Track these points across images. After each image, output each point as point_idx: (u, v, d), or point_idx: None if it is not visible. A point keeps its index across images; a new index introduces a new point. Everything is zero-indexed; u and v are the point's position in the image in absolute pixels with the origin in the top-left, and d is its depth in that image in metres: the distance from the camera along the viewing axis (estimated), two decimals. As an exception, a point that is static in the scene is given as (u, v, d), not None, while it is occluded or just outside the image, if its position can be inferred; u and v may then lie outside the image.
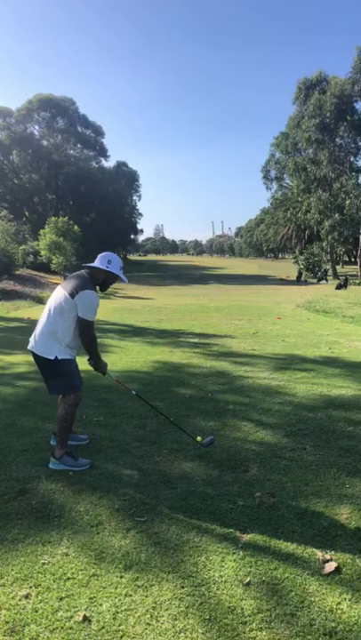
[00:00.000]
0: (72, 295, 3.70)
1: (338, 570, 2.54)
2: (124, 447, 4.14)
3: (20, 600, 2.34)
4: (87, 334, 3.79)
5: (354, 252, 53.73)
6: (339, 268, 49.20)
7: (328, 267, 41.85)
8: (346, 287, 28.36)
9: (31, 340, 3.93)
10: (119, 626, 2.18)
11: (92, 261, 3.97)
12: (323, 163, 39.34)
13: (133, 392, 4.27)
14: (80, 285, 3.73)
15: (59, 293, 3.82)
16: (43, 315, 3.88)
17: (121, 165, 62.43)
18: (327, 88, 38.08)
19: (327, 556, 2.64)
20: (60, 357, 3.76)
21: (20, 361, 7.64)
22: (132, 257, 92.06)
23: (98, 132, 57.08)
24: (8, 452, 4.05)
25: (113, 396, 5.58)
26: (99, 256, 3.95)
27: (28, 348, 3.94)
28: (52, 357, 3.75)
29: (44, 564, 2.61)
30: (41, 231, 29.73)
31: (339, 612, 2.25)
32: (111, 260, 3.92)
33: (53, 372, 3.83)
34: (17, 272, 25.87)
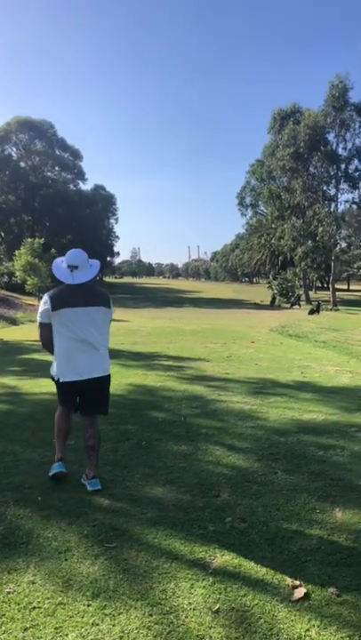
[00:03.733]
0: (108, 305, 3.80)
1: (307, 596, 2.53)
2: (98, 478, 4.08)
3: (-18, 631, 2.26)
4: None
5: (326, 279, 54.88)
6: (312, 293, 50.10)
7: (301, 292, 42.61)
8: (318, 312, 28.88)
9: (81, 366, 3.66)
10: (85, 656, 2.12)
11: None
12: (297, 191, 40.39)
13: None
14: (103, 293, 3.86)
15: (96, 311, 3.69)
16: (84, 336, 3.63)
17: (98, 189, 62.83)
18: (301, 119, 39.37)
19: (297, 582, 2.64)
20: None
21: (-9, 383, 7.51)
22: (108, 279, 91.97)
23: (76, 155, 57.58)
24: (-25, 477, 3.96)
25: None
26: (88, 264, 3.74)
27: (83, 378, 3.67)
28: (109, 373, 3.85)
29: (8, 592, 2.54)
30: (16, 252, 29.58)
31: (307, 638, 2.25)
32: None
33: (108, 388, 3.90)
34: (-9, 292, 25.57)
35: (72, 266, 3.67)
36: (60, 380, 3.73)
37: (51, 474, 3.85)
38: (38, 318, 3.74)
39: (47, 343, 3.78)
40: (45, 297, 3.70)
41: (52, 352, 3.80)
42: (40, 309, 3.71)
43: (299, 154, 39.07)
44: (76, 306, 3.63)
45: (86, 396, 3.79)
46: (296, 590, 2.57)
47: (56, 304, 3.62)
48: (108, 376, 3.83)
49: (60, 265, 3.75)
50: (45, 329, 3.73)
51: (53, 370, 3.81)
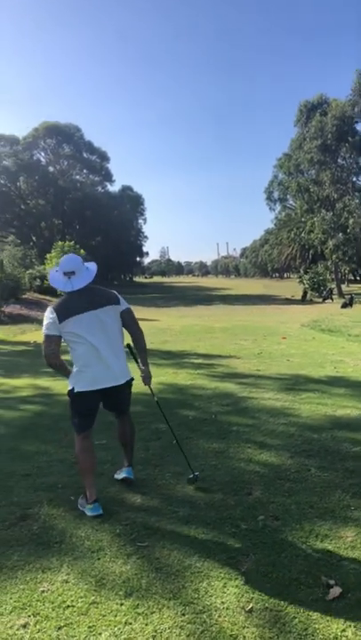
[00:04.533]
0: (116, 302, 3.61)
1: (342, 595, 2.48)
2: (133, 467, 4.10)
3: (17, 630, 2.30)
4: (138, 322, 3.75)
5: (359, 271, 53.79)
6: (344, 286, 49.18)
7: (333, 286, 41.84)
8: (351, 306, 28.30)
9: (103, 376, 3.47)
10: (118, 655, 2.13)
11: (97, 284, 3.76)
12: (325, 183, 39.66)
13: (155, 399, 4.02)
14: (108, 292, 3.68)
15: (104, 312, 3.51)
16: (99, 342, 3.44)
17: (126, 189, 63.29)
18: (328, 110, 38.62)
19: (331, 582, 2.58)
20: None
21: (24, 385, 7.65)
22: (137, 279, 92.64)
23: (103, 157, 58.10)
24: (10, 477, 4.03)
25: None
26: (84, 268, 3.60)
27: (105, 386, 3.49)
28: (132, 376, 3.71)
29: (43, 591, 2.57)
30: (47, 255, 30.05)
31: (343, 639, 2.20)
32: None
33: (130, 392, 3.78)
34: (23, 296, 26.06)
35: (68, 272, 3.50)
36: (78, 390, 3.46)
37: (90, 514, 3.38)
38: (44, 331, 3.47)
39: (52, 357, 3.43)
40: (49, 309, 3.48)
41: (57, 368, 3.52)
42: (44, 323, 3.47)
43: (326, 145, 38.34)
44: (84, 312, 3.43)
45: (110, 400, 3.66)
46: (331, 590, 2.52)
47: (62, 315, 3.40)
48: (129, 381, 3.67)
49: (56, 274, 3.60)
50: (52, 341, 3.43)
51: (70, 383, 3.54)
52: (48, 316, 3.45)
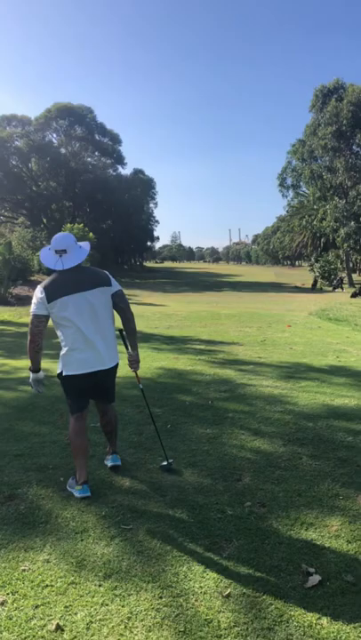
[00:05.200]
0: (107, 283, 3.50)
1: (321, 584, 2.47)
2: (118, 454, 4.10)
3: (-5, 607, 2.32)
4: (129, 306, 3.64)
5: (371, 260, 53.20)
6: (355, 276, 48.75)
7: (344, 274, 41.50)
8: (361, 295, 28.05)
9: (89, 359, 3.41)
10: (92, 636, 2.14)
11: (107, 268, 3.67)
12: (339, 170, 39.12)
13: (140, 386, 3.98)
14: (99, 272, 3.57)
15: (94, 294, 3.41)
16: (87, 325, 3.38)
17: (138, 173, 62.79)
18: (344, 95, 37.97)
19: (311, 569, 2.57)
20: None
21: (25, 366, 7.66)
22: (148, 264, 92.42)
23: (115, 139, 57.57)
24: (2, 457, 4.06)
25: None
26: (76, 247, 3.52)
27: (93, 370, 3.42)
28: (118, 361, 3.61)
29: (23, 570, 2.59)
30: (56, 238, 30.08)
31: (318, 627, 2.19)
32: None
33: (115, 377, 3.70)
34: (32, 278, 26.14)
35: (60, 250, 3.42)
36: (66, 374, 3.43)
37: (78, 496, 3.39)
38: (31, 310, 3.37)
39: (37, 335, 3.37)
40: (38, 288, 3.39)
41: (36, 349, 3.44)
42: (33, 301, 3.39)
43: (341, 132, 37.75)
44: (73, 293, 3.35)
45: (98, 388, 3.59)
46: (310, 578, 2.51)
47: (51, 294, 3.32)
48: (116, 366, 3.60)
49: (47, 252, 3.51)
50: (38, 321, 3.35)
51: (59, 366, 3.50)
52: (37, 294, 3.37)
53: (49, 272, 3.78)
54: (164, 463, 3.82)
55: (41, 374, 3.59)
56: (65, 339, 3.42)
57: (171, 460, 3.85)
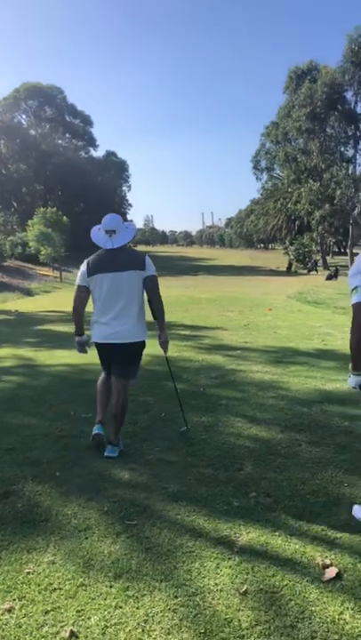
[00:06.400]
0: (141, 267, 3.78)
1: (339, 576, 2.41)
2: (117, 446, 3.98)
3: (2, 614, 2.18)
4: (160, 293, 3.90)
5: (344, 243, 53.77)
6: (329, 258, 49.20)
7: (318, 257, 41.90)
8: (336, 278, 28.37)
9: (109, 333, 3.76)
10: (108, 642, 2.04)
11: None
12: (313, 153, 39.23)
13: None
14: (137, 255, 3.89)
15: (126, 275, 3.73)
16: (112, 302, 3.74)
17: (110, 155, 61.80)
18: (318, 77, 37.90)
19: (327, 561, 2.52)
20: (145, 339, 3.91)
21: (6, 355, 7.46)
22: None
23: (86, 121, 56.48)
24: (-8, 452, 3.89)
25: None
26: (124, 227, 3.86)
27: (107, 341, 3.78)
28: (144, 339, 3.89)
29: (28, 573, 2.46)
30: (29, 222, 29.38)
31: (341, 622, 2.13)
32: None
33: (140, 354, 3.97)
34: (5, 264, 25.54)
35: (110, 230, 3.75)
36: (92, 340, 3.90)
37: (91, 437, 3.88)
38: (76, 281, 3.91)
39: (77, 302, 3.88)
40: (84, 262, 3.84)
41: (76, 315, 3.94)
42: (78, 273, 3.89)
43: (315, 114, 37.72)
44: (108, 271, 3.72)
45: (113, 360, 3.87)
46: (327, 570, 2.45)
47: (91, 270, 3.77)
48: (137, 343, 3.83)
49: (98, 232, 3.84)
50: (80, 291, 3.86)
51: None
52: (81, 268, 3.84)
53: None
54: (184, 429, 4.14)
55: (84, 337, 4.01)
56: (94, 309, 3.85)
57: (189, 427, 4.18)
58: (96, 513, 3.00)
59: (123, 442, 3.99)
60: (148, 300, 3.89)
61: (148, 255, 3.95)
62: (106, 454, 3.76)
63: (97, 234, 3.85)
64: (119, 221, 3.83)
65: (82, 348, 4.04)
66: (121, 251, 3.80)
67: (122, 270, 3.72)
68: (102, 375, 4.05)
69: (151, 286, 3.83)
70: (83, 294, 3.86)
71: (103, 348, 3.87)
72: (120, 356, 3.83)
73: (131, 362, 3.90)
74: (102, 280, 3.74)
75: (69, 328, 10.44)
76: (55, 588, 2.35)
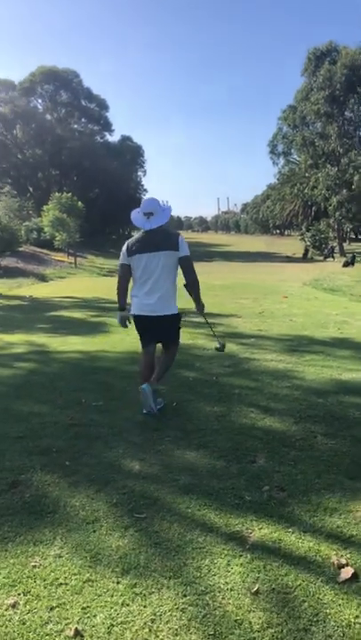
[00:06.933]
0: (175, 248, 4.16)
1: (355, 577, 2.31)
2: (125, 434, 3.92)
3: (6, 610, 2.13)
4: (194, 269, 4.30)
5: (361, 229, 52.87)
6: (346, 245, 48.49)
7: (335, 244, 41.29)
8: (353, 265, 27.93)
9: (143, 305, 4.22)
10: (114, 642, 1.97)
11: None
12: (331, 137, 38.46)
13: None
14: (173, 237, 4.23)
15: (162, 255, 4.14)
16: (147, 281, 4.19)
17: (126, 140, 61.29)
18: (338, 58, 36.99)
19: (343, 561, 2.42)
20: (177, 312, 4.37)
21: (18, 341, 7.43)
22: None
23: (102, 105, 55.98)
24: (2, 440, 3.84)
25: (114, 379, 5.37)
26: (161, 209, 4.23)
27: (144, 314, 4.24)
28: (176, 312, 4.34)
29: (34, 566, 2.40)
30: (44, 207, 29.34)
31: (358, 626, 2.04)
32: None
33: (178, 324, 4.46)
34: (20, 249, 25.54)
35: (147, 213, 4.15)
36: (132, 313, 4.34)
37: (140, 388, 4.29)
38: (119, 260, 4.38)
39: (120, 278, 4.38)
40: (126, 243, 4.32)
41: (120, 291, 4.38)
42: (121, 253, 4.32)
43: (334, 97, 36.89)
44: (145, 252, 4.15)
45: (155, 330, 4.34)
46: (343, 570, 2.36)
47: (131, 250, 4.21)
48: (171, 315, 4.30)
49: (137, 215, 4.25)
50: (122, 269, 4.34)
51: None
52: (123, 248, 4.30)
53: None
54: (218, 346, 4.75)
55: (125, 312, 4.41)
56: (133, 286, 4.32)
57: (222, 342, 4.77)
58: (105, 505, 2.93)
59: (134, 431, 3.93)
60: (185, 279, 4.30)
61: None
62: (142, 387, 4.24)
63: (136, 216, 4.24)
64: (156, 204, 4.22)
65: (123, 321, 4.45)
66: (157, 232, 4.16)
67: (158, 250, 4.13)
68: (143, 353, 4.49)
69: (186, 265, 4.24)
70: (126, 271, 4.29)
71: (140, 320, 4.30)
72: (163, 326, 4.30)
73: (169, 332, 4.39)
74: (140, 259, 4.17)
75: (83, 314, 10.41)
76: (61, 583, 2.29)
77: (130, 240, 4.33)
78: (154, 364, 4.45)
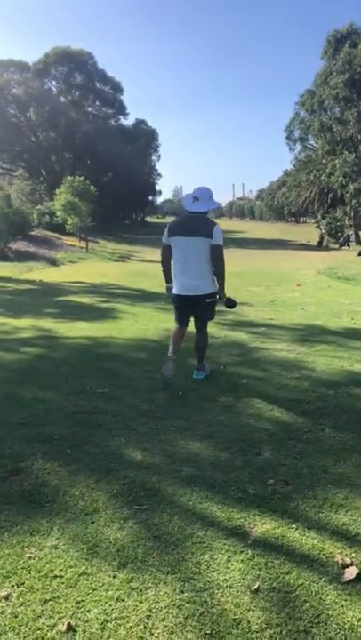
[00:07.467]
0: (209, 235, 4.46)
1: (359, 577, 2.23)
2: (128, 423, 3.85)
3: (-1, 602, 2.09)
4: (223, 258, 4.59)
5: (378, 218, 51.99)
6: (362, 233, 47.72)
7: (351, 232, 40.67)
8: (369, 253, 27.50)
9: (182, 285, 4.61)
10: (107, 638, 1.91)
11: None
12: (350, 122, 37.66)
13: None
14: (208, 225, 4.55)
15: (196, 241, 4.48)
16: (184, 263, 4.57)
17: (140, 123, 60.79)
18: (358, 41, 36.09)
19: (347, 560, 2.34)
20: (212, 291, 4.66)
21: (26, 325, 7.39)
22: (150, 219, 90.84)
23: (117, 88, 55.42)
24: (3, 426, 3.80)
25: (120, 366, 5.30)
26: (207, 198, 4.64)
27: (182, 294, 4.63)
28: (211, 291, 4.64)
29: (29, 557, 2.35)
30: (57, 191, 29.21)
31: (360, 630, 1.96)
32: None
33: (210, 303, 4.71)
34: (32, 233, 25.50)
35: (195, 197, 4.57)
36: (171, 292, 4.77)
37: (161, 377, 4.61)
38: (162, 240, 4.75)
39: (163, 256, 4.81)
40: (168, 224, 4.72)
41: (164, 267, 4.84)
42: (164, 233, 4.70)
43: (354, 81, 36.04)
44: (183, 235, 4.53)
45: (189, 309, 4.74)
46: (347, 570, 2.28)
47: (170, 232, 4.61)
48: (207, 295, 4.61)
49: (188, 196, 4.65)
50: (164, 248, 4.75)
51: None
52: (165, 229, 4.70)
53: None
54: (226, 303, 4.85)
55: (171, 284, 4.81)
56: (173, 266, 4.74)
57: (231, 297, 4.85)
58: (104, 495, 2.88)
59: (138, 420, 3.87)
60: (213, 265, 4.57)
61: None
62: (194, 376, 4.86)
63: (187, 197, 4.67)
64: (206, 193, 4.63)
65: (169, 291, 4.85)
66: (198, 218, 4.58)
67: (193, 236, 4.47)
68: (176, 327, 4.86)
69: (216, 253, 4.52)
70: (167, 250, 4.70)
71: (177, 299, 4.72)
72: (197, 306, 4.66)
73: (204, 309, 4.72)
74: (178, 242, 4.56)
75: (92, 299, 10.34)
76: (56, 576, 2.24)
77: (172, 221, 4.80)
78: (184, 337, 4.84)
